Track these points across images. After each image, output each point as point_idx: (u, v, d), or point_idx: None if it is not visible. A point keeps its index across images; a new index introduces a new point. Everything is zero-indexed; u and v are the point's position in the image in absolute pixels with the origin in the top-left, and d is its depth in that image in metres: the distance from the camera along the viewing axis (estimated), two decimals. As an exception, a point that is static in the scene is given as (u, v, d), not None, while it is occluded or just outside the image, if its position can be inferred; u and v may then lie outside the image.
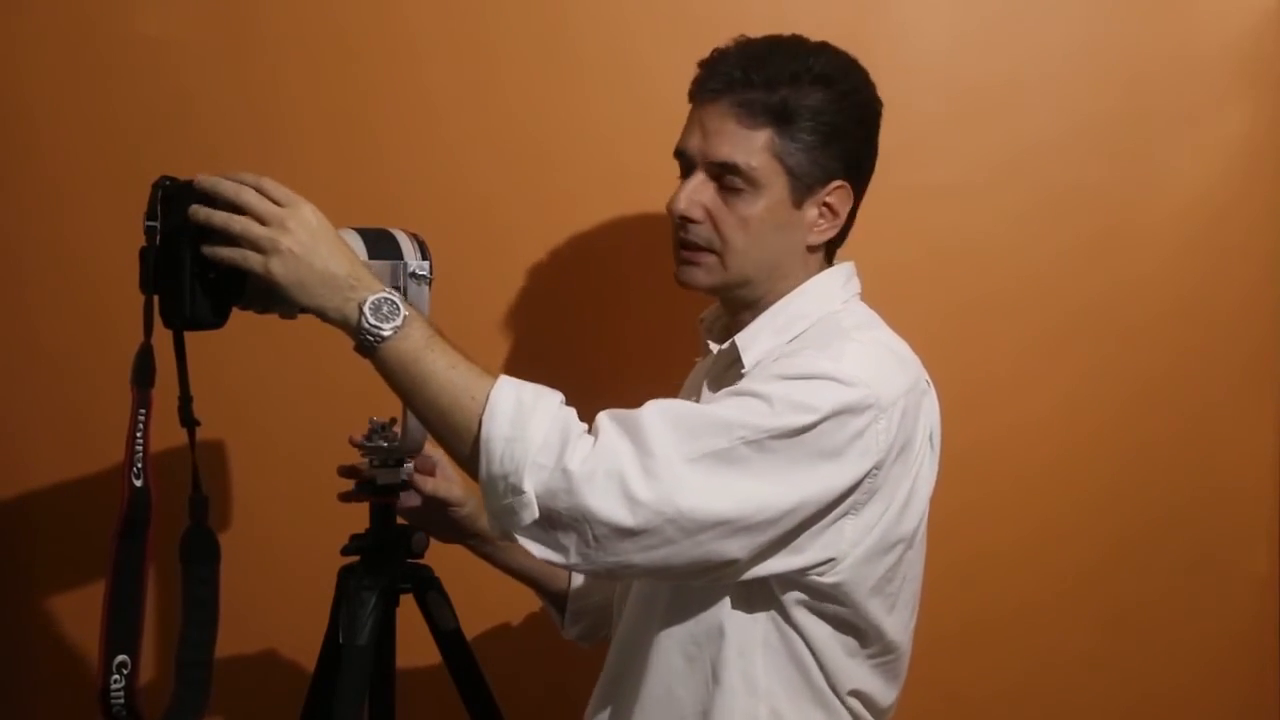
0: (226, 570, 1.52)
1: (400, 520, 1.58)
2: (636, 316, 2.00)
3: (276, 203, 1.30)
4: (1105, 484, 2.03)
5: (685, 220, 1.45)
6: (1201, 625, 2.05)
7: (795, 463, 1.30)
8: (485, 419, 1.27)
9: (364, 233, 1.50)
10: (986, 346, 1.99)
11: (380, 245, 1.49)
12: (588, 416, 1.97)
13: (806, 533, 1.34)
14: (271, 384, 1.99)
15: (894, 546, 1.42)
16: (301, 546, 1.86)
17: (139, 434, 1.41)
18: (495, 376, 1.31)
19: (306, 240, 1.28)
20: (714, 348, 1.51)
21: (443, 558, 1.57)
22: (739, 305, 1.51)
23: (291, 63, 1.97)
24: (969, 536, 1.94)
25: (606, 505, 1.25)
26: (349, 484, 1.56)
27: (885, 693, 1.50)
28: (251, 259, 1.28)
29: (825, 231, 1.46)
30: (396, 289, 1.46)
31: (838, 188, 1.45)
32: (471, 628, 1.58)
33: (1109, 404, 2.02)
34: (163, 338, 1.40)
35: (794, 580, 1.38)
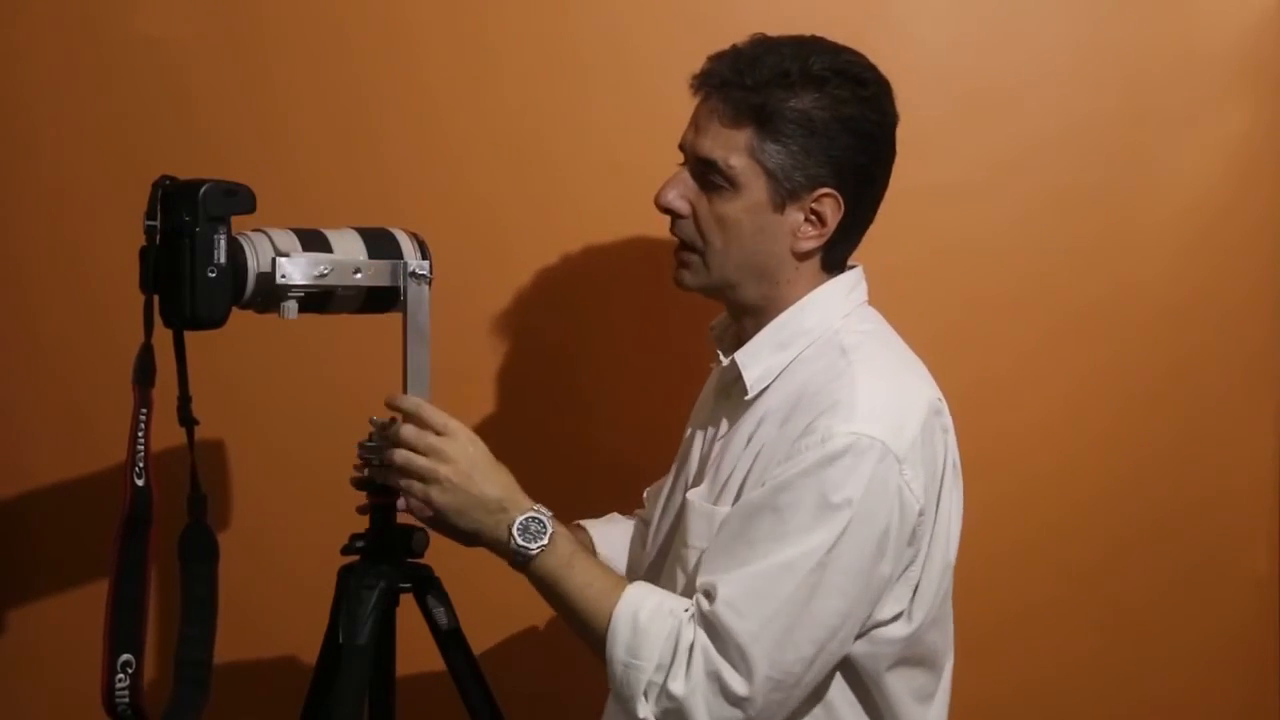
0: (226, 570, 1.52)
1: (403, 517, 1.57)
2: (637, 317, 2.00)
3: (435, 431, 1.39)
4: (1106, 485, 2.03)
5: (669, 214, 1.46)
6: (1202, 625, 2.05)
7: (856, 557, 1.32)
8: (608, 642, 1.35)
9: (364, 232, 1.50)
10: (987, 347, 1.99)
11: (380, 245, 1.49)
12: (584, 414, 2.00)
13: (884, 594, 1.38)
14: (271, 384, 1.99)
15: (944, 573, 1.44)
16: (301, 546, 1.85)
17: (140, 433, 1.42)
18: (624, 590, 1.37)
19: (463, 468, 1.38)
20: (723, 360, 1.50)
21: (443, 557, 1.57)
22: (736, 310, 1.51)
23: (292, 62, 1.97)
24: (970, 538, 1.92)
25: (717, 715, 1.31)
26: (349, 483, 1.56)
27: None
28: (414, 488, 1.39)
29: (811, 239, 1.43)
30: (396, 288, 1.47)
31: (825, 195, 1.41)
32: (471, 628, 1.58)
33: (1109, 405, 2.02)
34: (163, 337, 1.41)
35: (872, 638, 1.40)
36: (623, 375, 2.01)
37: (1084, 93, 1.98)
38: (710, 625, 1.32)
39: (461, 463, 1.38)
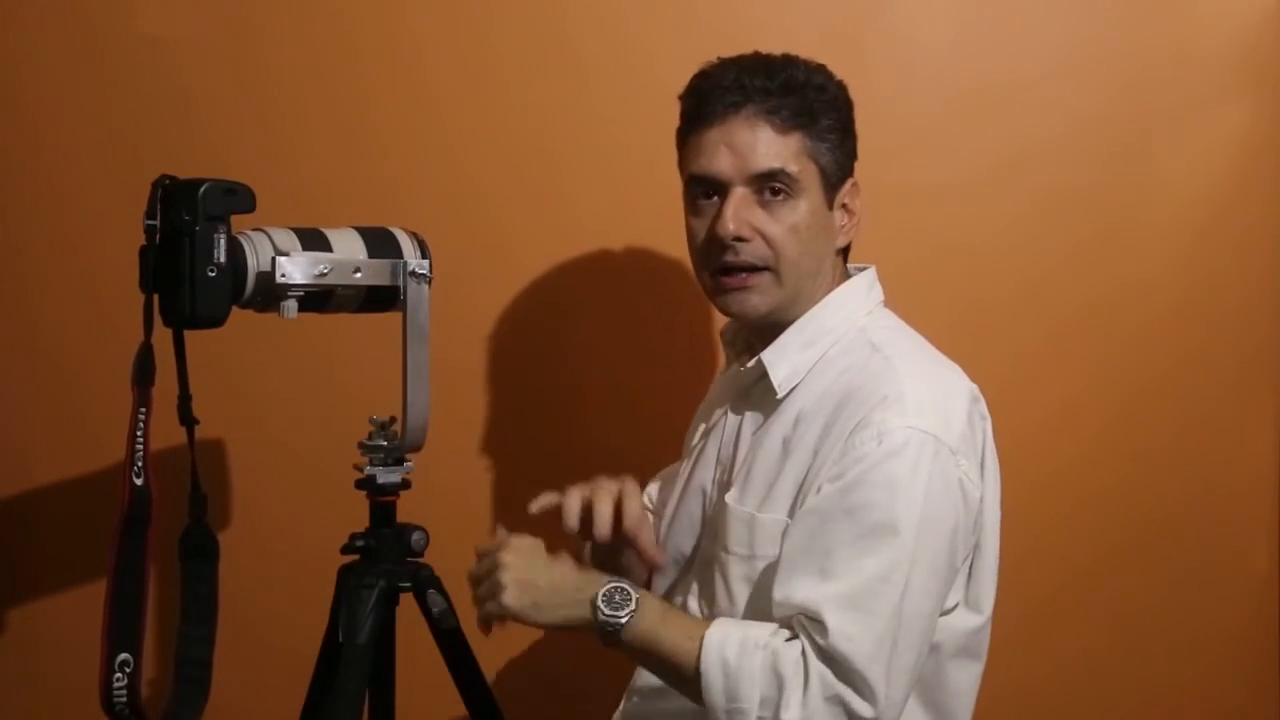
0: (226, 569, 1.52)
1: (402, 516, 1.57)
2: (638, 316, 2.00)
3: (487, 553, 1.41)
4: (1106, 485, 2.02)
5: (739, 241, 1.41)
6: (1202, 625, 2.05)
7: (933, 555, 1.33)
8: (704, 692, 1.32)
9: (364, 232, 1.50)
10: (986, 347, 1.99)
11: (380, 244, 1.49)
12: (585, 414, 2.00)
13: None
14: (271, 383, 1.99)
15: (996, 558, 1.45)
16: (301, 545, 1.86)
17: (139, 433, 1.42)
18: (703, 634, 1.33)
19: (524, 565, 1.38)
20: (742, 364, 1.50)
21: (443, 556, 1.57)
22: (768, 325, 1.49)
23: (292, 62, 1.97)
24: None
25: None
26: (350, 483, 1.56)
27: None
28: (488, 607, 1.39)
29: (849, 232, 1.47)
30: (396, 288, 1.47)
31: (852, 184, 1.46)
32: (471, 627, 1.58)
33: (1109, 405, 2.02)
34: (163, 337, 1.41)
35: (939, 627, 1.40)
36: (623, 375, 2.01)
37: (1084, 92, 1.98)
38: (827, 656, 1.29)
39: (517, 563, 1.38)
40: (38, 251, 2.00)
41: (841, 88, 1.46)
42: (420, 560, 1.55)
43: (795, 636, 1.31)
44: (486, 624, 1.42)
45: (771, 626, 1.34)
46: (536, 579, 1.38)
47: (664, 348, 1.97)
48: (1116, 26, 1.97)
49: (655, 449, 1.79)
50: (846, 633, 1.28)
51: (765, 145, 1.40)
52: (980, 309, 1.99)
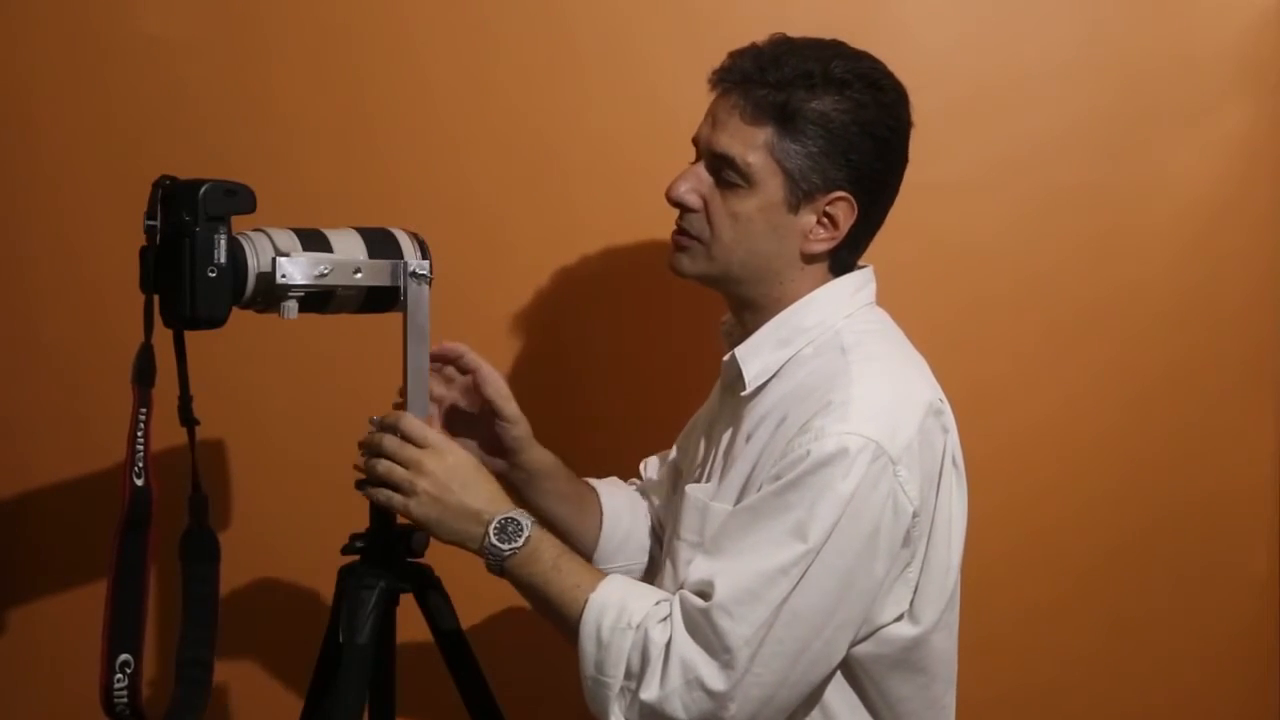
0: (226, 570, 1.52)
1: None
2: (638, 316, 2.00)
3: (415, 444, 1.41)
4: (1106, 486, 2.03)
5: (680, 207, 1.46)
6: (1202, 625, 2.05)
7: (840, 556, 1.32)
8: (579, 657, 1.36)
9: (364, 232, 1.50)
10: (986, 347, 1.99)
11: (380, 244, 1.49)
12: (585, 415, 2.00)
13: (879, 596, 1.38)
14: (271, 384, 1.99)
15: (947, 574, 1.43)
16: (301, 546, 1.86)
17: (140, 433, 1.42)
18: (589, 597, 1.36)
19: (441, 479, 1.40)
20: (725, 358, 1.50)
21: (443, 557, 1.57)
22: (736, 305, 1.51)
23: (292, 62, 1.97)
24: (970, 540, 1.92)
25: (695, 711, 1.31)
26: (350, 483, 1.56)
27: None
28: (394, 500, 1.41)
29: (822, 242, 1.43)
30: (396, 288, 1.47)
31: (839, 199, 1.42)
32: (471, 628, 1.58)
33: (1109, 406, 2.02)
34: (163, 337, 1.41)
35: (876, 639, 1.39)
36: (623, 375, 2.01)
37: (1084, 92, 1.98)
38: (697, 624, 1.31)
39: (439, 475, 1.40)
40: (38, 251, 2.00)
41: (860, 106, 1.40)
42: (420, 561, 1.55)
43: (667, 618, 1.34)
44: (372, 499, 1.44)
45: (653, 599, 1.37)
46: (449, 496, 1.39)
47: (666, 348, 1.97)
48: (1117, 26, 1.97)
49: (655, 449, 1.79)
50: (728, 609, 1.30)
51: (732, 131, 1.41)
52: (980, 309, 1.99)
